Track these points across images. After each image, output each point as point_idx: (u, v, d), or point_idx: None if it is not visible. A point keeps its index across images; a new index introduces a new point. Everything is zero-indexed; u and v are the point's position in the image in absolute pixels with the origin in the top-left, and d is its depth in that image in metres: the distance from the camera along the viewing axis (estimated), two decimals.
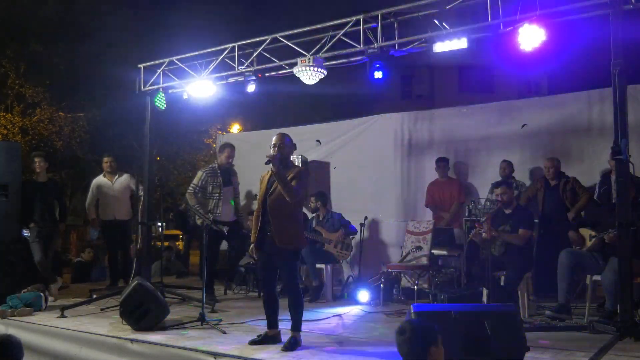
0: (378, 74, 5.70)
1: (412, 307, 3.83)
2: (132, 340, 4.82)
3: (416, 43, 5.62)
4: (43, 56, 14.75)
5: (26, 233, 7.30)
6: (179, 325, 5.36)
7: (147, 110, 7.22)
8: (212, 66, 6.71)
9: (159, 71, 7.13)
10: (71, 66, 14.90)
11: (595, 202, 6.33)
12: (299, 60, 5.98)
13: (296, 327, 4.57)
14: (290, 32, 6.16)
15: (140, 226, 7.16)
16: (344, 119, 9.66)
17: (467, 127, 7.91)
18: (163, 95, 7.08)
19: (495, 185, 6.48)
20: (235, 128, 19.48)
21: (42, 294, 6.31)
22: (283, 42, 6.23)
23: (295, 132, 6.53)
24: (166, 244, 11.79)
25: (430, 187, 7.84)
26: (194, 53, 6.86)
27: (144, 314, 5.19)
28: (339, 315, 6.04)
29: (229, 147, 7.29)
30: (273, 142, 4.64)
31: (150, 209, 7.11)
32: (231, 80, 6.72)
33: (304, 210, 6.70)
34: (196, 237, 9.45)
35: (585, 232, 5.56)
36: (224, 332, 5.04)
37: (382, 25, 5.62)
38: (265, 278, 4.77)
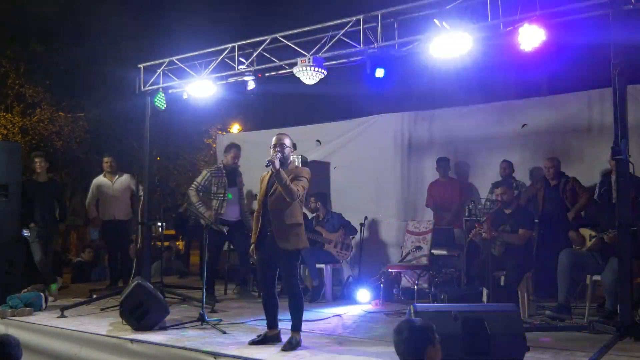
0: (379, 73, 5.71)
1: (412, 306, 3.84)
2: (132, 340, 4.82)
3: (416, 43, 5.62)
4: (43, 56, 14.76)
5: (26, 233, 7.29)
6: (179, 325, 5.36)
7: (147, 110, 7.21)
8: (212, 66, 6.69)
9: (158, 71, 7.12)
10: (71, 66, 14.91)
11: (595, 202, 6.32)
12: (299, 60, 5.96)
13: (296, 327, 4.56)
14: (290, 32, 6.14)
15: (140, 226, 7.16)
16: (344, 119, 9.65)
17: (467, 127, 7.90)
18: (163, 95, 7.07)
19: (495, 185, 6.48)
20: (235, 128, 19.50)
21: (42, 294, 6.32)
22: (283, 42, 6.21)
23: (295, 132, 6.53)
24: (166, 243, 11.78)
25: (430, 187, 7.84)
26: (194, 53, 6.85)
27: (144, 314, 5.19)
28: (339, 315, 6.04)
29: (235, 147, 7.26)
30: (273, 143, 4.62)
31: (150, 209, 7.11)
32: (231, 80, 6.71)
33: (304, 210, 6.69)
34: (196, 237, 9.46)
35: (585, 232, 5.56)
36: (224, 332, 5.04)
37: (382, 25, 5.60)
38: (265, 278, 4.76)
